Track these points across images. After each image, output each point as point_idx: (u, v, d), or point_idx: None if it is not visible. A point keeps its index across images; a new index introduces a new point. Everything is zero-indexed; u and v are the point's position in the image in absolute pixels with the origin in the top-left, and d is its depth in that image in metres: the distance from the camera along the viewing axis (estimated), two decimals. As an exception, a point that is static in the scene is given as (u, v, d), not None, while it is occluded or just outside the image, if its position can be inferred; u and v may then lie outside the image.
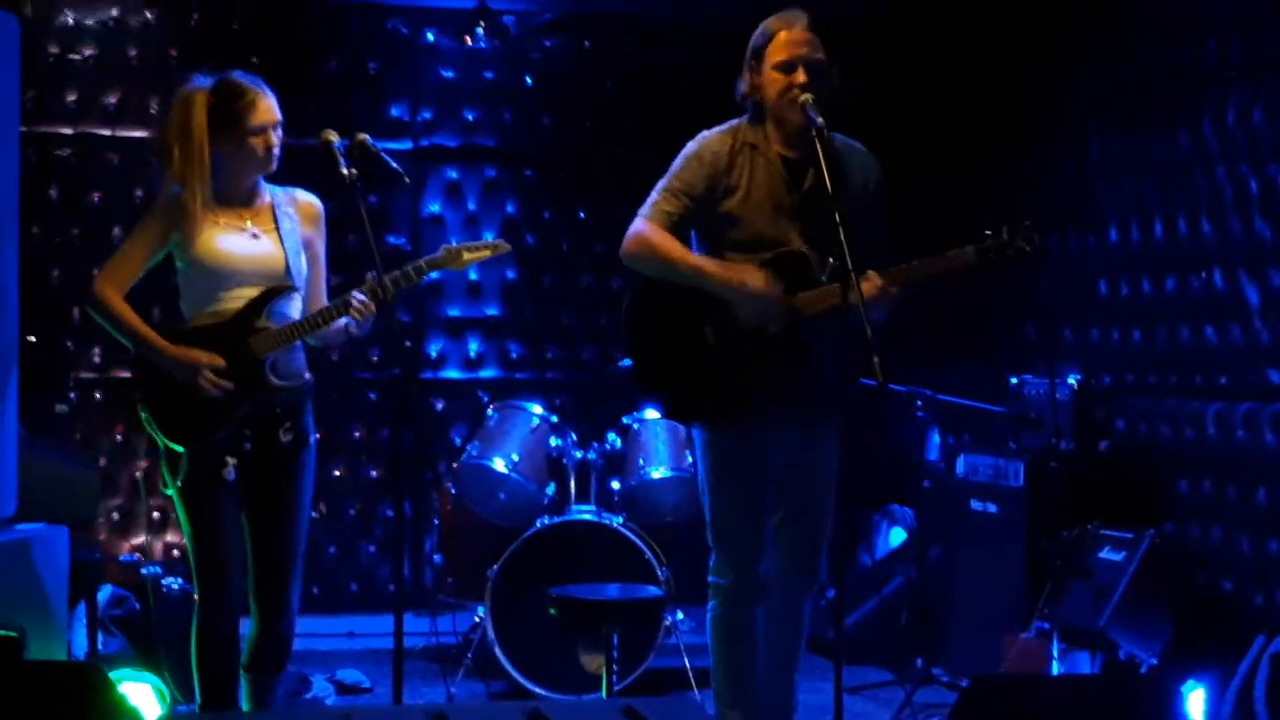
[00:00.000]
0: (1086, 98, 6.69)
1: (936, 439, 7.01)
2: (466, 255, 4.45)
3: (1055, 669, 5.30)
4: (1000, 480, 6.21)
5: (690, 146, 4.52)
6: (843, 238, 3.99)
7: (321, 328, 4.36)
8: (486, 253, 4.48)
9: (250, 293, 4.33)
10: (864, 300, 4.00)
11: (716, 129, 4.54)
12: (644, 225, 4.45)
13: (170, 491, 4.32)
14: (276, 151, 4.36)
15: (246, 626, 4.47)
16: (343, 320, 4.32)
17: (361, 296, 4.30)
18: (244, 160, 4.33)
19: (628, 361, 4.97)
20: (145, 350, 4.29)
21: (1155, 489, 6.04)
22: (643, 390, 4.74)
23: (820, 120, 4.20)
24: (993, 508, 6.25)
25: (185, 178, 4.29)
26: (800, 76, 4.32)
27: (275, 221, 4.41)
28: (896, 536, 7.06)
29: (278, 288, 4.35)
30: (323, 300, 4.54)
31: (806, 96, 4.28)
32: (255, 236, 4.37)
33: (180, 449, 4.28)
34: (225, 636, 4.39)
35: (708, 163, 4.45)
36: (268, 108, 4.32)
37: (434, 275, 4.58)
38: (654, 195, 4.49)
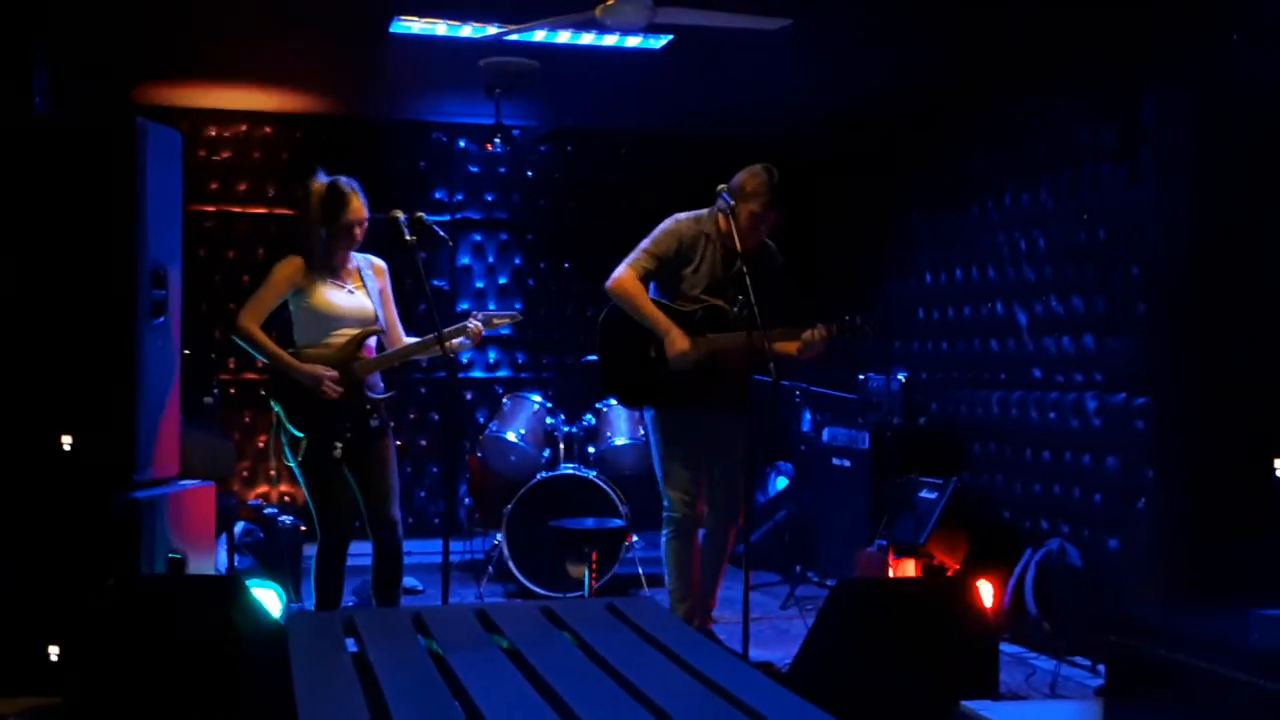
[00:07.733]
0: (911, 186, 6.73)
1: (809, 416, 7.04)
2: (496, 321, 4.40)
3: (890, 573, 5.32)
4: (853, 445, 6.24)
5: (668, 224, 4.55)
6: (753, 301, 4.11)
7: (398, 362, 4.37)
8: (507, 319, 4.45)
9: (350, 332, 4.28)
10: (769, 339, 4.17)
11: (687, 215, 4.58)
12: (626, 271, 4.48)
13: (293, 464, 4.24)
14: (361, 237, 4.30)
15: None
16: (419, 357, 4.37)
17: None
18: (339, 240, 4.26)
19: (593, 357, 4.98)
20: (282, 366, 4.21)
21: (958, 450, 6.09)
22: (604, 387, 4.75)
23: (731, 201, 4.32)
24: (847, 463, 6.27)
25: (308, 250, 4.25)
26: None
27: (362, 280, 4.37)
28: (781, 483, 7.07)
29: (371, 330, 4.33)
30: (399, 330, 4.50)
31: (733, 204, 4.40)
32: (351, 292, 4.32)
33: (302, 435, 4.22)
34: (337, 564, 4.35)
35: (677, 238, 4.51)
36: (359, 207, 4.24)
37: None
38: (638, 251, 4.52)
